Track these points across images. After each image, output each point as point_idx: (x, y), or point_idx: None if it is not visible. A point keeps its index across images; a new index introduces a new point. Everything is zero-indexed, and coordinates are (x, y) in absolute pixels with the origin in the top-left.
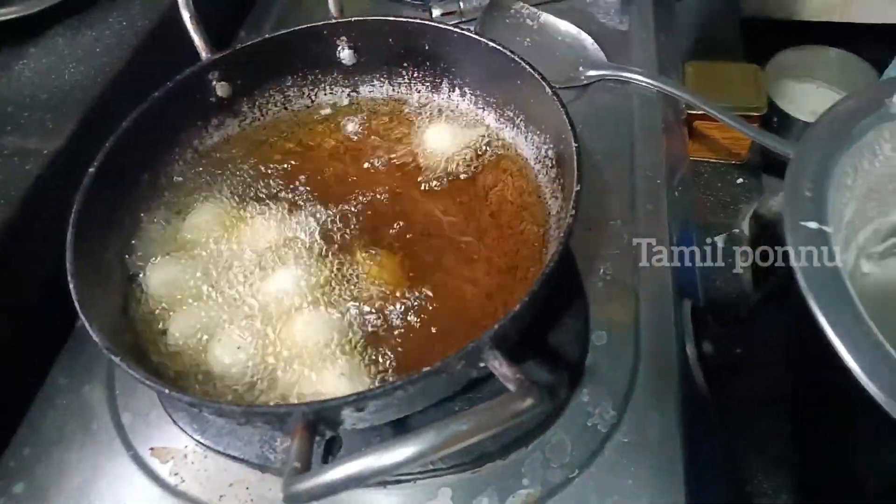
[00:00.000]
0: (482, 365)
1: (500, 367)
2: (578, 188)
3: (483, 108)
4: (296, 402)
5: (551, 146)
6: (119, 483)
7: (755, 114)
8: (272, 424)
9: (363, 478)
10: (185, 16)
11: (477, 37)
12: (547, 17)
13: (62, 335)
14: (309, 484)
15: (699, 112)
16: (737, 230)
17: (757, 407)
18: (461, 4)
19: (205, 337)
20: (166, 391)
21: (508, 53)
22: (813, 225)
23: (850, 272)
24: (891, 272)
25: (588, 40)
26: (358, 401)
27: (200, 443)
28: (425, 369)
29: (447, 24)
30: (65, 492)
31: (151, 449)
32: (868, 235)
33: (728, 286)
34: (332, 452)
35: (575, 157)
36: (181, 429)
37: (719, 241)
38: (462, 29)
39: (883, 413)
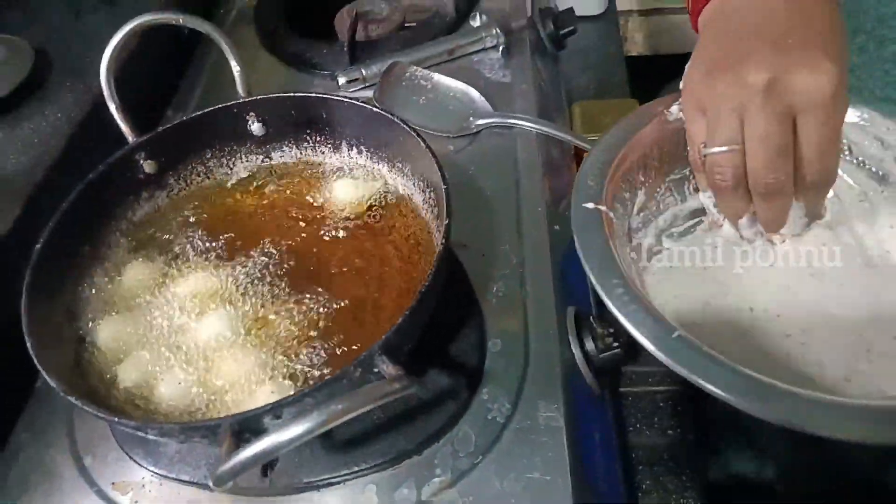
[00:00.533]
0: (376, 370)
1: (388, 371)
2: (447, 221)
3: (378, 163)
4: None
5: (431, 189)
6: None
7: None
8: (207, 438)
9: (269, 452)
10: (112, 106)
11: (362, 104)
12: (439, 78)
13: (21, 401)
14: (230, 464)
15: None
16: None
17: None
18: (363, 72)
19: (150, 379)
20: (115, 419)
21: (389, 116)
22: (590, 205)
23: (648, 247)
24: (683, 245)
25: (475, 94)
26: (274, 409)
27: (155, 473)
28: (327, 377)
29: (337, 96)
30: None
31: (112, 483)
32: (668, 219)
33: None
34: (271, 467)
35: (444, 195)
36: (137, 463)
37: None
38: (350, 99)
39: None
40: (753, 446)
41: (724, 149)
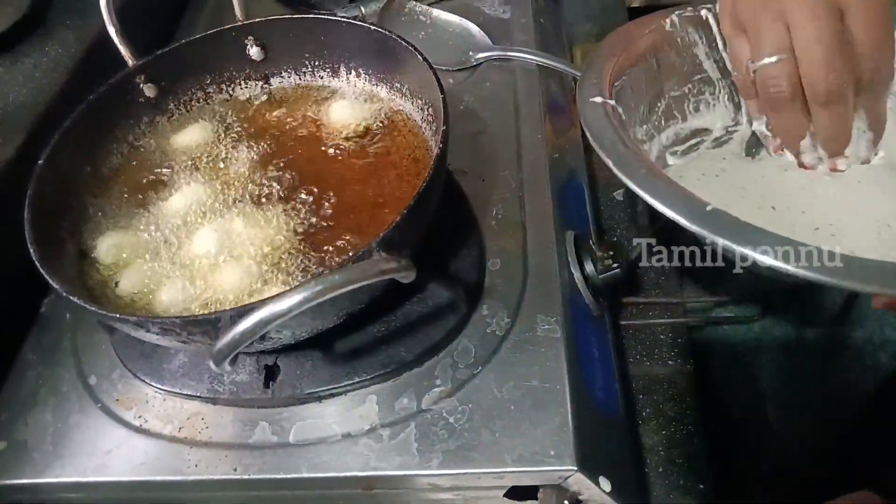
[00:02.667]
0: None
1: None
2: (445, 127)
3: (376, 84)
4: None
5: (430, 104)
6: (90, 430)
7: None
8: (208, 334)
9: (264, 322)
10: (111, 30)
11: (361, 23)
12: (438, 13)
13: (27, 323)
14: (228, 336)
15: None
16: None
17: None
18: (362, 9)
19: (151, 287)
20: (117, 316)
21: (387, 33)
22: (598, 99)
23: (655, 160)
24: (688, 160)
25: (475, 28)
26: (271, 299)
27: (159, 388)
28: (325, 271)
29: (335, 17)
30: (43, 443)
31: (117, 400)
32: (669, 136)
33: (628, 231)
34: (273, 379)
35: (441, 105)
36: (141, 380)
37: (618, 194)
38: (348, 19)
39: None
40: (752, 384)
41: (773, 59)
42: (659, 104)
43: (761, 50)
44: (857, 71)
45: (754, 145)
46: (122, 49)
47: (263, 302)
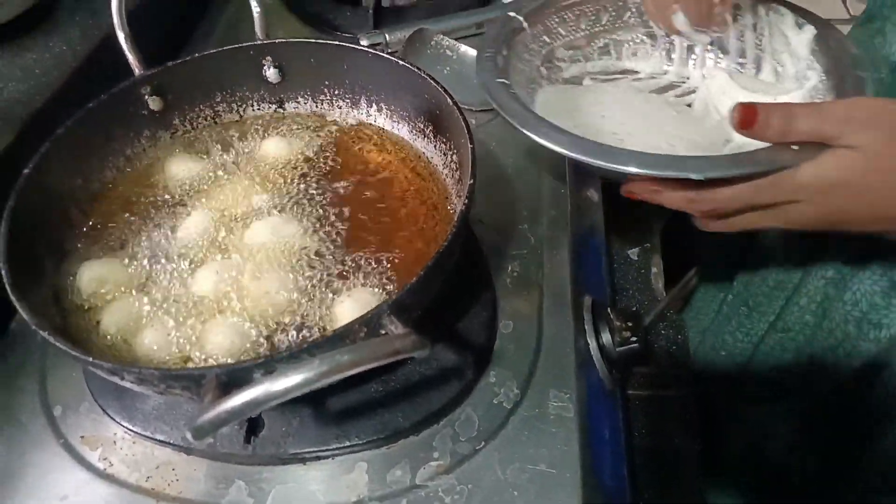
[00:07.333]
0: (383, 332)
1: (395, 331)
2: (472, 181)
3: (398, 122)
4: None
5: (455, 151)
6: (47, 469)
7: None
8: (189, 390)
9: (260, 402)
10: (121, 36)
11: (388, 56)
12: (466, 49)
13: None
14: (213, 412)
15: None
16: (648, 244)
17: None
18: (387, 37)
19: (135, 326)
20: (89, 360)
21: (416, 70)
22: (512, 14)
23: (570, 77)
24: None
25: None
26: (267, 363)
27: (129, 429)
28: (328, 334)
29: (361, 46)
30: None
31: (81, 437)
32: (598, 66)
33: (641, 294)
34: (255, 433)
35: (469, 156)
36: (111, 417)
37: (633, 253)
38: (375, 50)
39: None
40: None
41: None
42: (597, 41)
43: None
44: None
45: (667, 90)
46: (130, 56)
47: (258, 366)
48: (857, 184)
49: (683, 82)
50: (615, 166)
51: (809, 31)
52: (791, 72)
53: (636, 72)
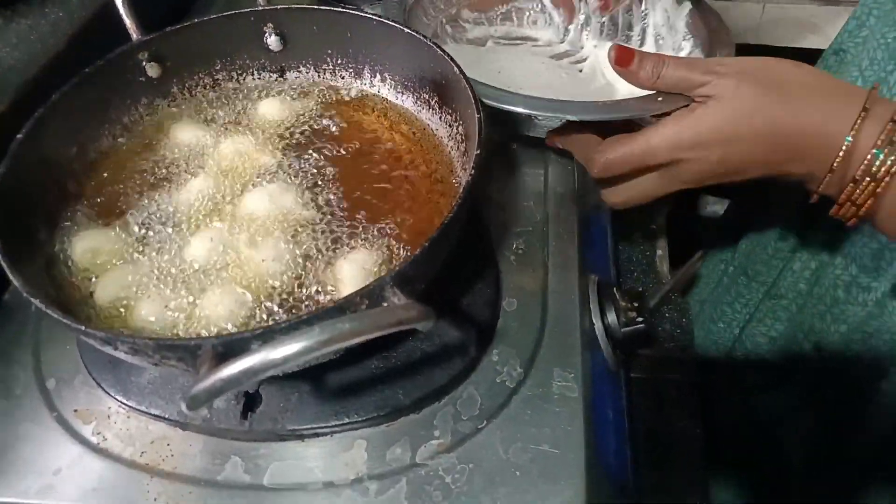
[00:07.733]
0: (385, 304)
1: (398, 303)
2: (479, 152)
3: (402, 93)
4: None
5: (461, 122)
6: (40, 443)
7: None
8: (185, 361)
9: (257, 370)
10: (118, 0)
11: (394, 24)
12: None
13: None
14: (209, 381)
15: None
16: (654, 226)
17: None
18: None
19: (130, 297)
20: (82, 328)
21: (422, 38)
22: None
23: (474, 38)
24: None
25: None
26: (265, 333)
27: (123, 403)
28: (328, 306)
29: (367, 13)
30: None
31: (75, 410)
32: (499, 31)
33: (646, 276)
34: (252, 409)
35: (477, 127)
36: (105, 391)
37: (638, 235)
38: (382, 18)
39: None
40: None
41: None
42: (500, 7)
43: None
44: None
45: (563, 57)
46: (128, 21)
47: (256, 337)
48: (729, 132)
49: (578, 52)
50: (505, 106)
51: (686, 6)
52: (669, 43)
53: (536, 39)
